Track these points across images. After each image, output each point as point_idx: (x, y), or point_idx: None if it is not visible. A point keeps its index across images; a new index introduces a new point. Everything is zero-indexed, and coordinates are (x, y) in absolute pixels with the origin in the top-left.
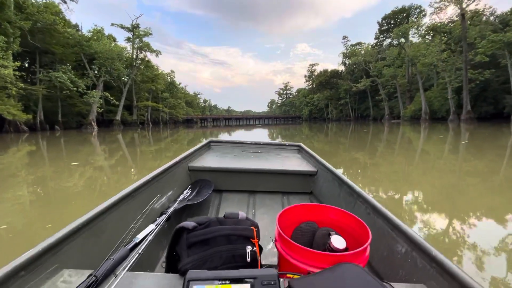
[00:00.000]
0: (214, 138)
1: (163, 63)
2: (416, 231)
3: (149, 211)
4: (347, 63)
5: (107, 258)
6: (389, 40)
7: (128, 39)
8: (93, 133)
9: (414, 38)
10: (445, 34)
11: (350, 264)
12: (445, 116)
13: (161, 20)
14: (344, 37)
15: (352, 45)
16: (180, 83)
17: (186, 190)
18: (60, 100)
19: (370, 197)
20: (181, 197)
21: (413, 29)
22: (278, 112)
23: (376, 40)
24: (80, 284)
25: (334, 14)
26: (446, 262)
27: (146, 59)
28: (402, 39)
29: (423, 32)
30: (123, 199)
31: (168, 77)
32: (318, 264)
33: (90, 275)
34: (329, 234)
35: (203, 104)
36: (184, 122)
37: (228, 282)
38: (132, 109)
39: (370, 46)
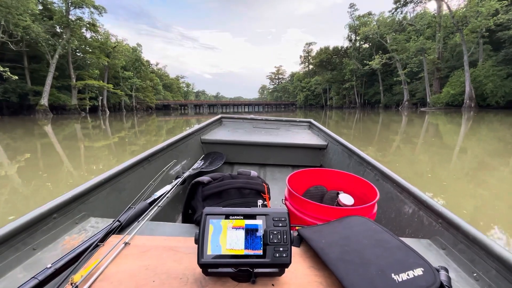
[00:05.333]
0: (226, 114)
1: (151, 47)
2: None
3: (165, 174)
4: (353, 38)
5: (129, 207)
6: (411, 6)
7: None
8: None
9: None
10: None
11: (357, 216)
12: (500, 102)
13: (150, 1)
14: (351, 5)
15: (360, 16)
16: (157, 63)
17: (199, 161)
18: None
19: (378, 163)
20: (194, 166)
21: None
22: (269, 99)
23: (396, 5)
24: (106, 227)
25: None
26: (452, 216)
27: (91, 21)
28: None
29: None
30: (140, 163)
31: (133, 53)
32: (326, 217)
33: (115, 220)
34: (338, 194)
35: (185, 89)
36: (161, 109)
37: (242, 217)
38: (84, 92)
39: (387, 13)
